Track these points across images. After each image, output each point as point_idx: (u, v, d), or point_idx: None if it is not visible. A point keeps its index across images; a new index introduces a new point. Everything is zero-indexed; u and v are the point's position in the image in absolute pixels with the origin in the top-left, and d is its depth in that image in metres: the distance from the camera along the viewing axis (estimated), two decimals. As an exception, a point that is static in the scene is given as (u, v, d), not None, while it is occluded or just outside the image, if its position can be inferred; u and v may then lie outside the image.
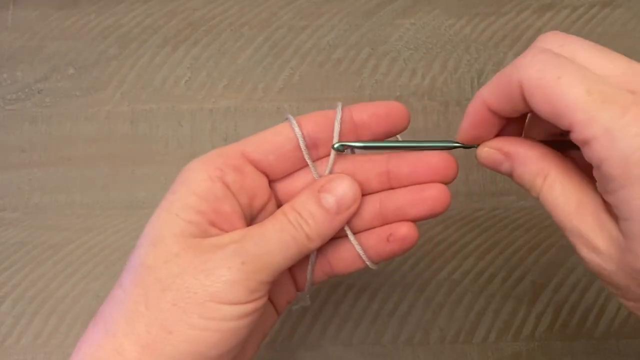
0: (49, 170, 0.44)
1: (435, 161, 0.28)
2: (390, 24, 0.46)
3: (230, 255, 0.25)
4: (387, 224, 0.29)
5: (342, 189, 0.28)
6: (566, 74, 0.23)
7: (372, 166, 0.29)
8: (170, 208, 0.27)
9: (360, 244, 0.30)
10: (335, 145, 0.29)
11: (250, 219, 0.29)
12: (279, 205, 0.30)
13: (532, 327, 0.40)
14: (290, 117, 0.29)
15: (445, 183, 0.29)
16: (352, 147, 0.29)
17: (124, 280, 0.27)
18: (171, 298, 0.25)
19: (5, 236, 0.42)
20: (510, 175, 0.27)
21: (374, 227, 0.30)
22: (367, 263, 0.30)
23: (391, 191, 0.29)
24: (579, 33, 0.45)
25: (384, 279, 0.41)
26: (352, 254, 0.30)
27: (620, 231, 0.23)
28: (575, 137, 0.23)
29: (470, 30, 0.46)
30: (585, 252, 0.24)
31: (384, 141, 0.30)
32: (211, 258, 0.25)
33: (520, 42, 0.46)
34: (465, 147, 0.29)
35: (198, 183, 0.27)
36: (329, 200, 0.28)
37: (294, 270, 0.31)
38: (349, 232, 0.30)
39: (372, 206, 0.29)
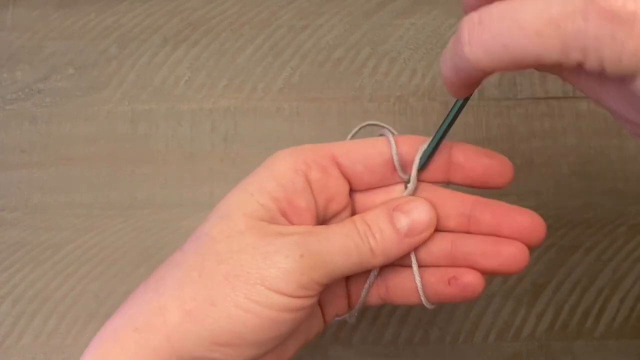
0: (49, 170, 0.44)
1: (522, 219, 0.27)
2: (390, 24, 0.46)
3: (291, 244, 0.25)
4: (454, 266, 0.28)
5: (417, 213, 0.27)
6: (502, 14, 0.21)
7: (456, 204, 0.28)
8: (247, 188, 0.27)
9: (421, 279, 0.29)
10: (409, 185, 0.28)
11: (323, 221, 0.29)
12: (353, 214, 0.29)
13: (532, 327, 0.40)
14: (388, 132, 0.29)
15: (528, 245, 0.27)
16: None
17: (186, 246, 0.27)
18: (224, 272, 0.25)
19: (4, 236, 0.42)
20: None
21: (439, 266, 0.28)
22: (422, 299, 0.29)
23: (467, 235, 0.28)
24: (579, 33, 0.45)
25: (384, 279, 0.41)
26: (411, 286, 0.29)
27: None
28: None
29: (470, 30, 0.46)
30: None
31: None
32: (272, 242, 0.25)
33: (520, 42, 0.45)
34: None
35: (281, 171, 0.27)
36: (402, 221, 0.27)
37: (350, 285, 0.31)
38: (414, 262, 0.28)
39: (444, 244, 0.28)
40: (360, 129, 0.30)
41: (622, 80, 0.20)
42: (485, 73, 0.23)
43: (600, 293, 0.41)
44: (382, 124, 0.29)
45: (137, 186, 0.43)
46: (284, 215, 0.27)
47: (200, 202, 0.43)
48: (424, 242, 0.28)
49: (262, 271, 0.25)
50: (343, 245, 0.26)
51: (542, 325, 0.40)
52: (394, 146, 0.28)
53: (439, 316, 0.40)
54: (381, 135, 0.29)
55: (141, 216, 0.43)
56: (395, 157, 0.28)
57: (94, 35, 0.46)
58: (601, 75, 0.21)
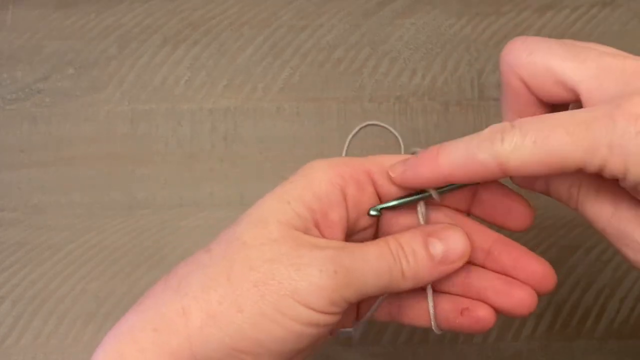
0: (49, 170, 0.43)
1: (537, 267, 0.28)
2: (390, 23, 0.46)
3: (325, 258, 0.25)
4: (465, 297, 0.28)
5: (453, 242, 0.27)
6: (540, 132, 0.23)
7: (478, 237, 0.28)
8: (283, 196, 0.26)
9: (434, 304, 0.28)
10: (372, 212, 0.28)
11: (349, 234, 0.29)
12: (376, 232, 0.30)
13: (532, 327, 0.40)
14: (420, 151, 0.28)
15: (536, 291, 0.28)
16: (388, 207, 0.28)
17: (213, 248, 0.26)
18: (254, 279, 0.24)
19: (4, 236, 0.42)
20: (546, 191, 0.27)
21: (451, 293, 0.29)
22: (432, 324, 0.29)
23: (483, 269, 0.29)
24: (579, 33, 0.45)
25: (384, 279, 0.41)
26: (423, 309, 0.29)
27: None
28: (589, 171, 0.23)
29: (470, 30, 0.46)
30: (631, 254, 0.24)
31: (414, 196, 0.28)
32: (306, 254, 0.25)
33: (520, 42, 0.45)
34: None
35: (318, 182, 0.27)
36: (437, 247, 0.27)
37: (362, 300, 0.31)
38: (429, 287, 0.28)
39: (460, 273, 0.28)
40: (360, 129, 0.30)
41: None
42: (506, 172, 0.24)
43: (600, 293, 0.41)
44: (382, 124, 0.29)
45: (137, 186, 0.43)
46: (317, 227, 0.27)
47: (200, 202, 0.43)
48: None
49: (294, 283, 0.24)
50: (377, 265, 0.26)
51: (542, 325, 0.40)
52: None
53: (439, 316, 0.40)
54: (413, 153, 0.29)
55: (141, 216, 0.43)
56: (421, 216, 0.28)
57: (94, 35, 0.46)
58: (621, 182, 0.22)
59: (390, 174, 0.27)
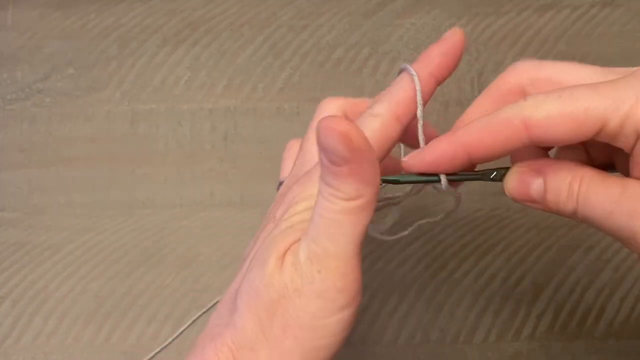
0: (49, 170, 0.43)
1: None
2: (390, 24, 0.46)
3: (306, 267, 0.23)
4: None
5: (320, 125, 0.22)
6: (564, 91, 0.23)
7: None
8: (274, 231, 0.25)
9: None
10: None
11: None
12: None
13: (532, 327, 0.40)
14: (408, 66, 0.27)
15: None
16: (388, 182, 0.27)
17: (239, 303, 0.25)
18: (280, 325, 0.23)
19: (4, 236, 0.42)
20: (542, 197, 0.25)
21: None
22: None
23: None
24: (579, 33, 0.45)
25: (384, 279, 0.41)
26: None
27: None
28: (611, 126, 0.22)
29: (470, 30, 0.46)
30: None
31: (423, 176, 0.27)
32: (295, 278, 0.24)
33: (520, 42, 0.45)
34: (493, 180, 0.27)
35: (297, 200, 0.26)
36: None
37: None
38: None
39: None
40: None
41: None
42: (530, 131, 0.23)
43: (600, 293, 0.41)
44: None
45: (137, 186, 0.43)
46: None
47: (200, 202, 0.43)
48: None
49: (306, 309, 0.23)
50: (329, 226, 0.24)
51: (542, 325, 0.40)
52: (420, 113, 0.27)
53: (439, 316, 0.40)
54: (402, 69, 0.28)
55: (141, 216, 0.43)
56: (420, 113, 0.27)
57: (94, 35, 0.46)
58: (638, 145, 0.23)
59: (403, 158, 0.26)
